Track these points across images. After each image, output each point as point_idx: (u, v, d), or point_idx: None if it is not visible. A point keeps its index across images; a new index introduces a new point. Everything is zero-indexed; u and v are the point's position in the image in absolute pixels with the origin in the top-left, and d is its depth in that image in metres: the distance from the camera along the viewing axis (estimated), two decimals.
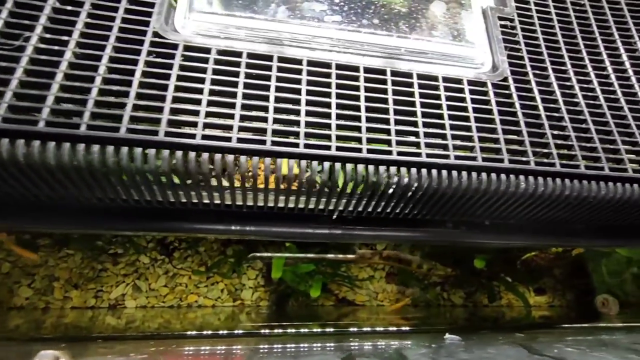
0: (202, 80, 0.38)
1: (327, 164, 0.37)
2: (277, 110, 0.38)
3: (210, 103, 0.37)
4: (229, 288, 0.97)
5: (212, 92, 0.37)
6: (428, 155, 0.39)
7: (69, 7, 0.39)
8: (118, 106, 0.34)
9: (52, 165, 0.32)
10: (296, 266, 0.90)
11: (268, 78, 0.39)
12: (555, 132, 0.45)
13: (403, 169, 0.38)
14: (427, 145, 0.40)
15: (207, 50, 0.39)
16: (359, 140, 0.39)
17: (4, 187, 0.36)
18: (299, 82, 0.40)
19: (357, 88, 0.41)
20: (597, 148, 0.45)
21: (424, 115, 0.42)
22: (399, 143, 0.39)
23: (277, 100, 0.39)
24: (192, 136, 0.35)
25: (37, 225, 0.46)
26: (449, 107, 0.43)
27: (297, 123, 0.38)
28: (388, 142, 0.39)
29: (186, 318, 0.90)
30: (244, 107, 0.38)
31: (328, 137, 0.38)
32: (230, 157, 0.35)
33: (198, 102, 0.37)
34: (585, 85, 0.50)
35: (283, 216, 0.47)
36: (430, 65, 0.45)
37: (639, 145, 0.47)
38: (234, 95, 0.38)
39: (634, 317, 0.72)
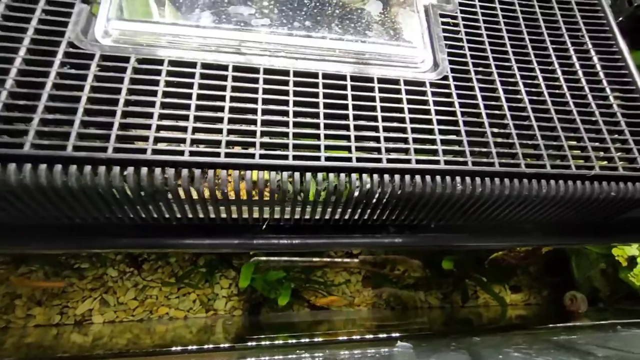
0: (118, 91, 0.36)
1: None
2: (198, 119, 0.37)
3: (126, 114, 0.36)
4: (202, 298, 0.95)
5: (128, 103, 0.36)
6: (358, 160, 0.38)
7: None
8: (22, 120, 0.33)
9: None
10: (266, 273, 0.89)
11: (191, 86, 0.38)
12: (496, 131, 0.44)
13: (331, 175, 0.37)
14: (359, 149, 0.39)
15: (126, 60, 0.38)
16: (285, 147, 0.37)
17: None
18: (224, 88, 0.39)
19: (286, 93, 0.40)
20: (540, 145, 0.44)
21: (357, 117, 0.41)
22: (327, 148, 0.38)
23: (199, 108, 0.37)
24: (104, 149, 0.33)
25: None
26: (383, 109, 0.42)
27: (220, 131, 0.36)
28: (317, 147, 0.38)
29: (156, 332, 0.88)
30: (163, 116, 0.36)
31: (252, 145, 0.37)
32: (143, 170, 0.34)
33: (112, 113, 0.35)
34: (530, 82, 0.49)
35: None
36: (365, 66, 0.44)
37: (584, 141, 0.46)
38: (152, 104, 0.37)
39: (601, 314, 0.71)
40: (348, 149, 0.39)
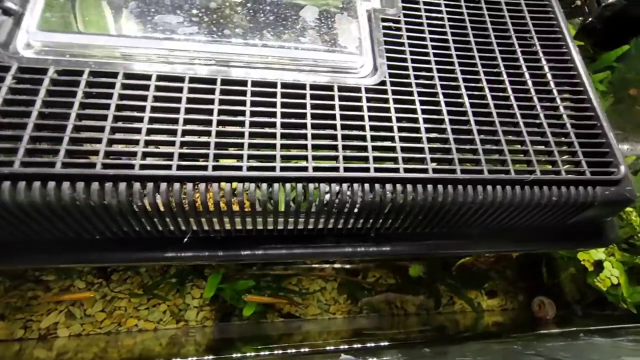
0: (32, 103, 0.36)
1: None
2: (115, 130, 0.36)
3: (39, 127, 0.35)
4: (172, 309, 0.93)
5: (42, 115, 0.35)
6: (282, 169, 0.37)
7: None
8: None
9: None
10: (235, 283, 0.88)
11: (110, 96, 0.37)
12: (433, 136, 0.43)
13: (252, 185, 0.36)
14: (284, 157, 0.38)
15: (44, 71, 0.37)
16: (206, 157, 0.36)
17: None
18: (145, 98, 0.38)
19: (211, 102, 0.39)
20: (478, 150, 0.43)
21: (286, 125, 0.40)
22: (250, 157, 0.37)
23: (118, 119, 0.37)
24: (10, 164, 0.32)
25: None
26: (314, 116, 0.41)
27: (137, 143, 0.36)
28: (239, 157, 0.37)
29: (124, 345, 0.87)
30: (79, 129, 0.36)
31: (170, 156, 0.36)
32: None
33: (23, 126, 0.34)
34: (474, 85, 0.48)
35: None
36: (297, 73, 0.43)
37: (527, 145, 0.45)
38: (66, 116, 0.36)
39: (569, 321, 0.70)
40: (273, 158, 0.38)
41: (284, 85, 0.42)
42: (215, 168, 0.36)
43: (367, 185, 0.38)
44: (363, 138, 0.41)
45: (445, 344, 0.56)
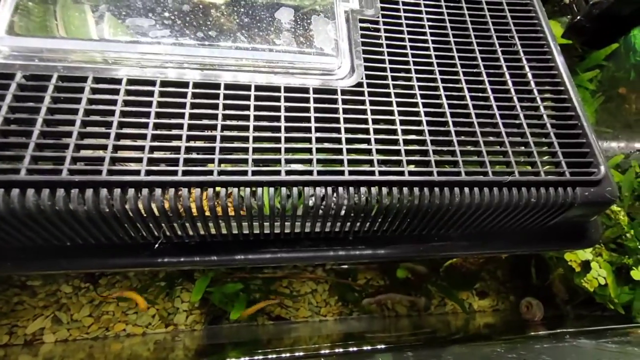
0: None
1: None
2: (83, 136, 0.36)
3: (4, 133, 0.35)
4: (161, 313, 0.93)
5: (7, 121, 0.35)
6: (253, 173, 0.36)
7: None
8: None
9: None
10: (224, 286, 0.87)
11: (79, 101, 0.37)
12: (410, 138, 0.43)
13: (232, 189, 0.36)
14: (256, 162, 0.37)
15: (11, 76, 0.37)
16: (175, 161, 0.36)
17: None
18: (114, 102, 0.37)
19: (182, 105, 0.39)
20: (456, 152, 0.42)
21: (259, 128, 0.39)
22: (222, 161, 0.37)
23: (85, 124, 0.36)
24: None
25: None
26: (288, 119, 0.40)
27: (105, 148, 0.35)
28: (211, 161, 0.36)
29: (112, 350, 0.86)
30: (45, 134, 0.35)
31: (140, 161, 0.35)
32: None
33: None
34: (453, 85, 0.48)
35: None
36: (272, 75, 0.42)
37: (506, 146, 0.44)
38: (33, 122, 0.35)
39: (556, 322, 0.69)
40: (245, 161, 0.37)
41: (258, 88, 0.41)
42: (184, 173, 0.35)
43: (340, 189, 0.37)
44: (338, 140, 0.40)
45: (428, 348, 0.55)
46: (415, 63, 0.48)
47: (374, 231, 0.44)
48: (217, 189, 0.36)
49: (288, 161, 0.38)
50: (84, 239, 0.37)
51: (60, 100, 0.37)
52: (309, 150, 0.39)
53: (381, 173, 0.39)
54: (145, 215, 0.35)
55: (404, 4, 0.52)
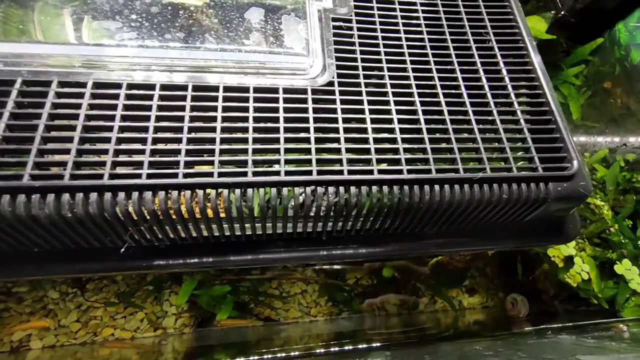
0: None
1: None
2: (46, 140, 0.35)
3: None
4: (150, 317, 0.92)
5: None
6: (220, 175, 0.36)
7: None
8: None
9: None
10: (211, 289, 0.87)
11: (42, 105, 0.36)
12: (381, 136, 0.42)
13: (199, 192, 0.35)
14: (222, 163, 0.37)
15: None
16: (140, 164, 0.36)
17: None
18: (79, 106, 0.37)
19: (148, 108, 0.38)
20: (427, 149, 0.42)
21: (226, 130, 0.39)
22: (188, 164, 0.36)
23: (49, 128, 0.36)
24: None
25: None
26: (257, 119, 0.40)
27: (68, 152, 0.35)
28: (176, 164, 0.36)
29: (100, 355, 0.86)
30: (8, 140, 0.35)
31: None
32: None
33: None
34: (426, 83, 0.47)
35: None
36: (242, 76, 0.42)
37: (478, 142, 0.44)
38: None
39: (541, 318, 0.69)
40: (211, 163, 0.37)
41: (226, 89, 0.41)
42: (149, 176, 0.35)
43: (309, 189, 0.37)
44: (307, 140, 0.40)
45: (411, 347, 0.55)
46: (388, 61, 0.48)
47: (347, 231, 0.44)
48: (182, 191, 0.36)
49: (256, 162, 0.38)
50: (51, 244, 0.37)
51: (24, 105, 0.36)
52: (277, 151, 0.39)
53: (350, 172, 0.39)
54: (109, 219, 0.34)
55: (378, 1, 0.52)
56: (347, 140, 0.41)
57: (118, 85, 0.39)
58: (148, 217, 0.35)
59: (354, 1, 0.51)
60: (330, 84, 0.44)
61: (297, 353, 0.82)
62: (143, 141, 0.37)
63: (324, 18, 0.49)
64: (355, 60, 0.47)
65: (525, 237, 0.50)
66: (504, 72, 0.50)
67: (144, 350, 0.86)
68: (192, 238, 0.40)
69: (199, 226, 0.38)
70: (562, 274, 0.66)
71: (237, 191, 0.36)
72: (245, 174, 0.37)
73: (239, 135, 0.39)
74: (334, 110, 0.42)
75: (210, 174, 0.36)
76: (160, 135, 0.37)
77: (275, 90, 0.42)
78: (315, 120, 0.41)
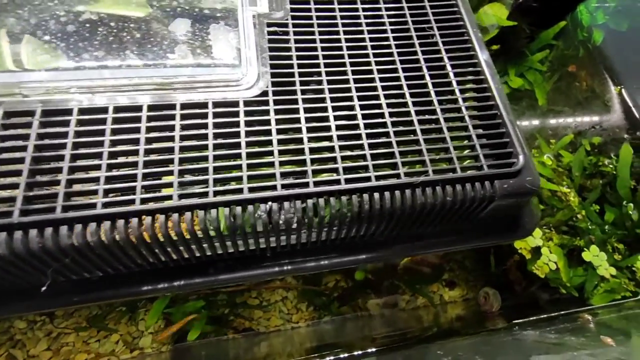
0: None
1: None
2: None
3: None
4: (125, 338, 0.90)
5: None
6: (142, 201, 0.34)
7: None
8: None
9: None
10: (183, 305, 0.85)
11: None
12: (317, 145, 0.41)
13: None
14: (146, 188, 0.35)
15: None
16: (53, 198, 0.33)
17: None
18: None
19: (64, 135, 0.36)
20: (366, 156, 0.40)
21: (149, 152, 0.37)
22: (108, 192, 0.34)
23: None
24: None
25: None
26: (184, 138, 0.38)
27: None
28: (94, 193, 0.34)
29: None
30: None
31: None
32: None
33: None
34: (367, 85, 0.45)
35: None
36: (168, 92, 0.40)
37: (421, 144, 0.42)
38: None
39: (512, 312, 0.68)
40: (133, 190, 0.35)
41: (151, 108, 0.39)
42: (64, 209, 0.33)
43: (238, 209, 0.35)
44: (237, 156, 0.38)
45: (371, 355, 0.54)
46: (327, 65, 0.46)
47: (291, 245, 0.42)
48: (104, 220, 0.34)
49: (182, 184, 0.36)
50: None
51: None
52: (205, 170, 0.37)
53: (284, 187, 0.37)
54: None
55: (316, 2, 0.50)
56: (281, 152, 0.39)
57: (30, 113, 0.36)
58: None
59: (290, 4, 0.49)
60: (264, 93, 0.42)
61: None
62: (58, 171, 0.35)
63: (258, 24, 0.47)
64: (291, 66, 0.45)
65: (481, 236, 0.49)
66: (449, 68, 0.48)
67: None
68: (126, 267, 0.38)
69: (129, 254, 0.36)
70: (530, 265, 0.65)
71: (161, 217, 0.34)
72: (170, 197, 0.35)
73: (165, 156, 0.37)
74: (267, 122, 0.40)
75: (132, 202, 0.34)
76: (78, 163, 0.35)
77: (204, 105, 0.40)
78: (247, 134, 0.39)
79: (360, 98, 0.44)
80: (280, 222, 0.36)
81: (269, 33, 0.46)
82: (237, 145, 0.38)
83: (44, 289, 0.33)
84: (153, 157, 0.37)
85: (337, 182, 0.38)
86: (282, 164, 0.38)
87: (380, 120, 0.43)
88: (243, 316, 0.94)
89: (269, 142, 0.39)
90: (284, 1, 0.49)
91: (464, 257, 1.03)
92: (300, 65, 0.45)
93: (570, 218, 0.69)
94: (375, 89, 0.45)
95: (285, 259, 0.44)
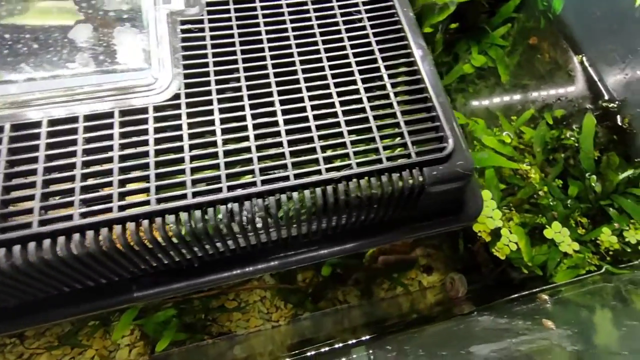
0: None
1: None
2: None
3: None
4: (101, 352, 0.89)
5: None
6: (40, 223, 0.32)
7: None
8: None
9: None
10: (154, 315, 0.83)
11: None
12: (232, 148, 0.38)
13: None
14: (46, 209, 0.33)
15: None
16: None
17: None
18: None
19: None
20: (285, 154, 0.38)
21: (49, 170, 0.35)
22: (5, 216, 0.33)
23: None
24: None
25: None
26: (87, 152, 0.36)
27: None
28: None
29: None
30: None
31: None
32: None
33: None
34: (289, 78, 0.43)
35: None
36: (70, 104, 0.38)
37: (344, 136, 0.40)
38: None
39: (481, 295, 0.67)
40: (30, 211, 0.33)
41: (52, 123, 0.37)
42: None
43: (145, 222, 0.34)
44: (145, 166, 0.36)
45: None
46: (245, 60, 0.43)
47: (231, 250, 0.41)
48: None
49: (85, 201, 0.34)
50: None
51: None
52: (110, 184, 0.35)
53: (195, 195, 0.35)
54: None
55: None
56: (193, 158, 0.37)
57: None
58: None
59: None
60: (176, 97, 0.40)
61: None
62: None
63: (171, 22, 0.44)
64: (206, 65, 0.42)
65: (424, 227, 0.47)
66: (377, 53, 0.46)
67: None
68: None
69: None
70: (492, 247, 0.64)
71: (61, 238, 0.32)
72: (70, 217, 0.33)
73: (68, 173, 0.35)
74: (179, 127, 0.38)
75: (29, 225, 0.32)
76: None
77: (109, 115, 0.38)
78: (157, 141, 0.37)
79: (280, 93, 0.42)
80: (195, 231, 0.34)
81: (183, 31, 0.44)
82: (145, 155, 0.36)
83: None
84: (55, 175, 0.35)
85: (254, 184, 0.36)
86: (195, 170, 0.36)
87: (302, 114, 0.41)
88: (220, 320, 0.93)
89: (180, 149, 0.37)
90: None
91: (441, 242, 1.02)
92: (216, 64, 0.43)
93: (532, 195, 0.67)
94: (297, 81, 0.43)
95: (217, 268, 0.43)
